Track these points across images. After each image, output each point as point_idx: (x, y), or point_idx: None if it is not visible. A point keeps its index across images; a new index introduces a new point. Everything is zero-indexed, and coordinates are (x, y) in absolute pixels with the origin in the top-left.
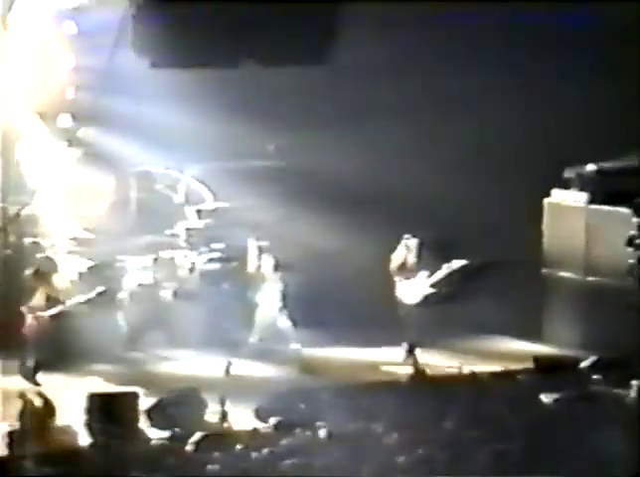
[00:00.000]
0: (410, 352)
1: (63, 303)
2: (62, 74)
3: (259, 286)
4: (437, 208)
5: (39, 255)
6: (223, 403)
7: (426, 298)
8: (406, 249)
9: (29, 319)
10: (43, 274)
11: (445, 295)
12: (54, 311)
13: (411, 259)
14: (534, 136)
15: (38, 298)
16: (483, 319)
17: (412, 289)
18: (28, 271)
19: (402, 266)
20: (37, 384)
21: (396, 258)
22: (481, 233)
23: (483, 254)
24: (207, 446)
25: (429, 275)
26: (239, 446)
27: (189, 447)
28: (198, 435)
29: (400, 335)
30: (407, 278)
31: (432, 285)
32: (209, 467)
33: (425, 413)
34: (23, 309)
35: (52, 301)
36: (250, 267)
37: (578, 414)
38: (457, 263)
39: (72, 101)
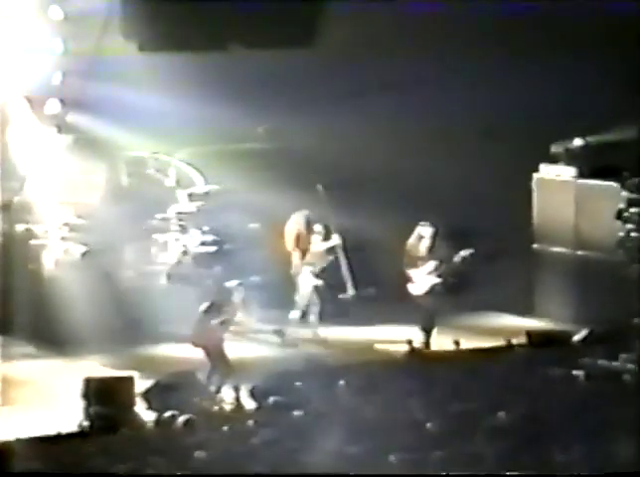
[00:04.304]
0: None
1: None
2: (49, 59)
3: None
4: (430, 190)
5: None
6: (217, 386)
7: (434, 288)
8: (419, 238)
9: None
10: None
11: (452, 284)
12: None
13: (423, 248)
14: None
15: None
16: (475, 296)
17: (421, 279)
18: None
19: (415, 255)
20: None
21: (410, 248)
22: (474, 211)
23: (486, 240)
24: (202, 428)
25: (439, 264)
26: (233, 427)
27: (181, 429)
28: (188, 416)
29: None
30: (417, 267)
31: (440, 275)
32: (205, 449)
33: (421, 389)
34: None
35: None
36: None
37: (575, 388)
38: (465, 252)
39: (59, 87)
